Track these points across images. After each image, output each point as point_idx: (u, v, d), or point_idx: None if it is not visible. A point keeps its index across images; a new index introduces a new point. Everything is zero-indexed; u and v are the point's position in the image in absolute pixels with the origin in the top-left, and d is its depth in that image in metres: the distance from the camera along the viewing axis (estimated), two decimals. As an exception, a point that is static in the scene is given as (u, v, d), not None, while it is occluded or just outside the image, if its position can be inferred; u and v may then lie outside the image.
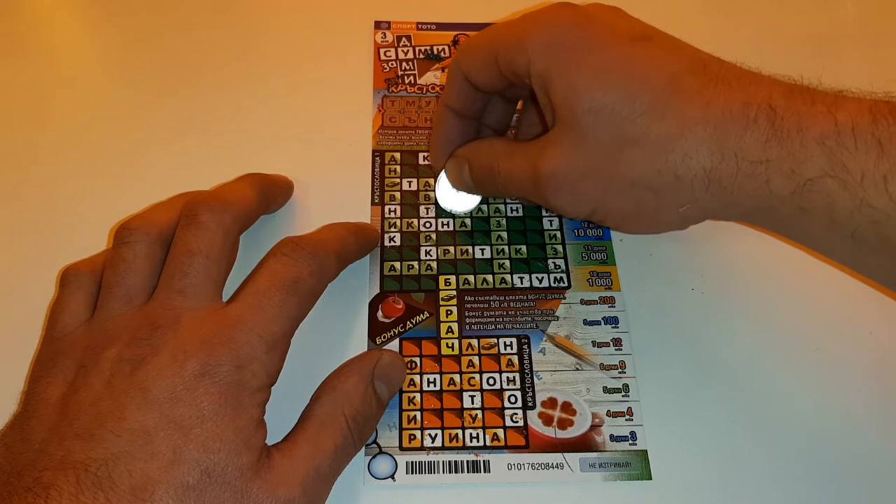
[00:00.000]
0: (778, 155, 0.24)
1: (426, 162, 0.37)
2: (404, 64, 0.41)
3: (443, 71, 0.41)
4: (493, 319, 0.32)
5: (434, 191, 0.35)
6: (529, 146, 0.29)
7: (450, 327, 0.32)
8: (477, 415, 0.30)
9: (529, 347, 0.31)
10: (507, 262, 0.34)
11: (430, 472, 0.28)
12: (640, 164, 0.26)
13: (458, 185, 0.33)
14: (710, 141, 0.24)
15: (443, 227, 0.35)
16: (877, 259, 0.24)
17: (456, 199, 0.34)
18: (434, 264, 0.34)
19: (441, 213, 0.35)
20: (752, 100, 0.24)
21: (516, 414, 0.30)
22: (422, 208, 0.35)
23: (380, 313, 0.32)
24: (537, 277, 0.33)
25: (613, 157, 0.26)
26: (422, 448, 0.29)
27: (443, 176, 0.34)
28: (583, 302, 0.33)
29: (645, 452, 0.29)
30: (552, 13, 0.28)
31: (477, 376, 0.30)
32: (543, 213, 0.35)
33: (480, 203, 0.35)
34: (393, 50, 0.42)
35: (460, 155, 0.33)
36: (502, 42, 0.29)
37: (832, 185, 0.23)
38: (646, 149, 0.25)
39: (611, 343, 0.32)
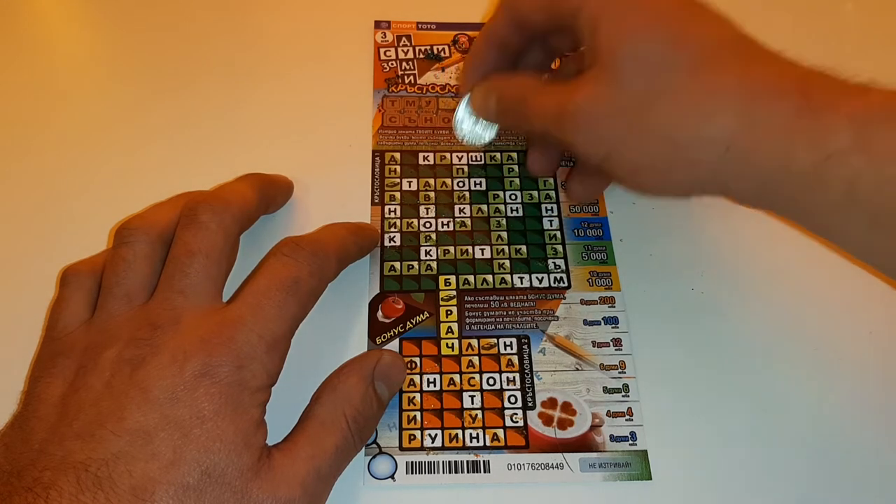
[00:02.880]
0: (805, 126, 0.24)
1: (426, 162, 0.37)
2: (404, 64, 0.41)
3: (443, 71, 0.41)
4: (493, 319, 0.32)
5: (453, 119, 0.35)
6: (561, 85, 0.29)
7: (450, 327, 0.32)
8: (477, 415, 0.30)
9: (529, 347, 0.31)
10: (507, 262, 0.34)
11: (429, 472, 0.28)
12: (666, 116, 0.26)
13: (481, 110, 0.33)
14: (739, 105, 0.25)
15: (443, 227, 0.35)
16: (892, 241, 0.24)
17: (472, 129, 0.35)
18: (434, 264, 0.34)
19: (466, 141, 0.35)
20: (787, 75, 0.25)
21: (516, 414, 0.30)
22: (422, 208, 0.35)
23: (380, 313, 0.32)
24: (537, 277, 0.33)
25: (643, 105, 0.26)
26: (422, 448, 0.29)
27: (463, 104, 0.34)
28: (583, 302, 0.33)
29: (645, 452, 0.29)
30: None
31: (477, 376, 0.30)
32: (543, 212, 0.35)
33: (495, 135, 0.35)
34: (393, 50, 0.42)
35: (492, 81, 0.33)
36: None
37: (857, 161, 0.23)
38: (676, 102, 0.26)
39: (611, 343, 0.32)
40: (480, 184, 0.36)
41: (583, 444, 0.29)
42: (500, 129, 0.35)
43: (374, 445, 0.29)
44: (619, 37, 0.27)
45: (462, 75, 0.35)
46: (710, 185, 0.27)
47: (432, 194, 0.36)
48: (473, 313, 0.32)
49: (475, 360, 0.31)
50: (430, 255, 0.34)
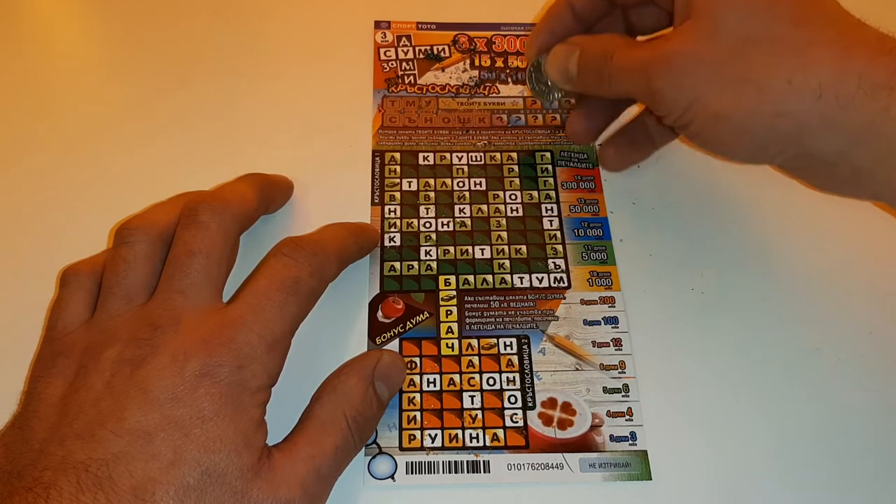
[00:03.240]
0: None
1: (426, 162, 0.37)
2: (404, 64, 0.41)
3: (443, 71, 0.41)
4: (492, 319, 0.32)
5: (526, 80, 0.36)
6: (652, 41, 0.29)
7: (450, 327, 0.32)
8: (477, 415, 0.30)
9: (529, 347, 0.31)
10: (507, 262, 0.34)
11: (429, 472, 0.28)
12: (760, 63, 0.26)
13: (559, 72, 0.33)
14: (836, 58, 0.25)
15: (443, 227, 0.35)
16: None
17: (545, 90, 0.35)
18: (434, 264, 0.34)
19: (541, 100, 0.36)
20: (888, 39, 0.25)
21: (516, 414, 0.30)
22: (422, 208, 0.35)
23: (380, 313, 0.32)
24: (537, 277, 0.33)
25: (738, 52, 0.26)
26: (422, 448, 0.29)
27: (534, 65, 0.34)
28: (583, 302, 0.33)
29: (645, 453, 0.29)
30: None
31: (477, 376, 0.30)
32: (543, 212, 0.35)
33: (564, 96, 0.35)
34: (393, 50, 0.42)
35: (574, 41, 0.32)
36: None
37: None
38: (772, 50, 0.26)
39: (611, 343, 0.32)
40: (480, 184, 0.36)
41: (583, 444, 0.29)
42: (568, 95, 0.35)
43: (374, 445, 0.29)
44: None
45: (532, 37, 0.34)
46: (789, 143, 0.27)
47: (432, 194, 0.36)
48: (473, 313, 0.32)
49: (475, 360, 0.31)
50: (430, 256, 0.34)
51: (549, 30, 0.34)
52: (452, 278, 0.33)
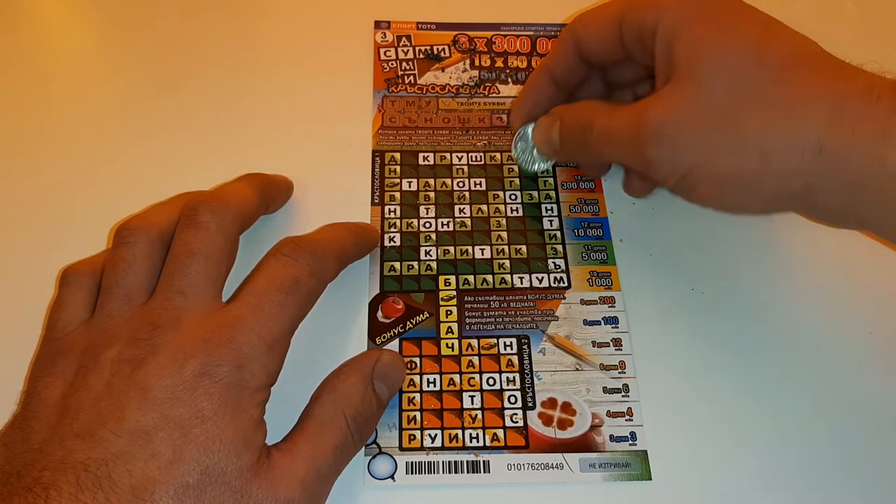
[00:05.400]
0: None
1: (426, 162, 0.37)
2: (404, 64, 0.41)
3: (443, 71, 0.41)
4: (492, 320, 0.32)
5: (511, 148, 0.36)
6: (633, 104, 0.28)
7: (450, 327, 0.32)
8: (477, 415, 0.30)
9: (529, 348, 0.31)
10: (507, 263, 0.34)
11: (429, 472, 0.28)
12: (754, 125, 0.25)
13: (545, 143, 0.33)
14: (829, 111, 0.24)
15: (443, 227, 0.35)
16: None
17: (527, 159, 0.35)
18: (434, 264, 0.34)
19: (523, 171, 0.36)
20: (875, 83, 0.25)
21: (516, 414, 0.30)
22: (422, 208, 0.35)
23: (380, 313, 0.32)
24: (537, 277, 0.33)
25: (729, 115, 0.26)
26: (422, 448, 0.29)
27: (520, 133, 0.34)
28: (583, 302, 0.33)
29: (645, 453, 0.29)
30: None
31: (477, 376, 0.30)
32: (543, 213, 0.35)
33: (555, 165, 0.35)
34: (393, 50, 0.42)
35: (555, 112, 0.32)
36: (633, 3, 0.29)
37: None
38: (763, 111, 0.25)
39: (611, 343, 0.31)
40: (480, 184, 0.36)
41: (583, 445, 0.29)
42: (561, 162, 0.35)
43: (374, 445, 0.29)
44: (700, 49, 0.26)
45: (515, 108, 0.34)
46: (798, 198, 0.26)
47: (432, 194, 0.36)
48: (473, 313, 0.32)
49: (475, 360, 0.31)
50: (430, 256, 0.34)
51: (531, 99, 0.33)
52: (452, 278, 0.33)
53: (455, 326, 0.32)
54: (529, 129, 0.34)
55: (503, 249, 0.34)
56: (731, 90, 0.26)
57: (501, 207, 0.36)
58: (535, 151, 0.35)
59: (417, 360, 0.31)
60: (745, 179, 0.26)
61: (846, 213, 0.26)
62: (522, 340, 0.31)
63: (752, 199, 0.27)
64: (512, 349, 0.31)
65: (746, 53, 0.26)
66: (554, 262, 0.34)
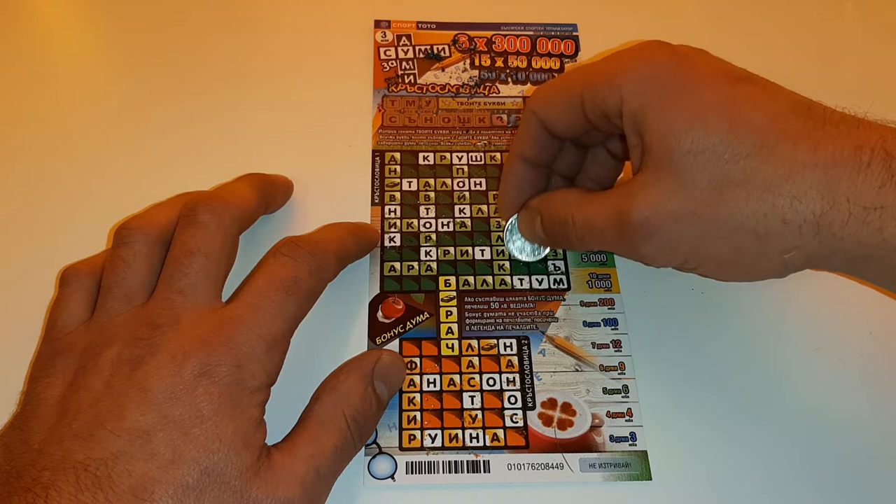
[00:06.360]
0: (894, 201, 0.23)
1: (426, 162, 0.37)
2: (404, 63, 0.41)
3: (443, 71, 0.41)
4: (492, 320, 0.32)
5: (503, 238, 0.34)
6: (609, 193, 0.27)
7: (450, 328, 0.32)
8: (477, 415, 0.30)
9: (529, 348, 0.31)
10: (507, 264, 0.34)
11: (429, 472, 0.28)
12: (744, 208, 0.24)
13: (532, 238, 0.32)
14: (820, 184, 0.23)
15: (443, 227, 0.35)
16: None
17: (525, 248, 0.33)
18: (434, 265, 0.34)
19: (514, 262, 0.34)
20: (864, 144, 0.23)
21: (516, 414, 0.30)
22: (422, 208, 0.35)
23: (380, 314, 0.32)
24: (537, 279, 0.33)
25: (714, 201, 0.24)
26: (422, 448, 0.29)
27: (511, 223, 0.33)
28: (582, 304, 0.33)
29: (645, 453, 0.29)
30: (646, 51, 0.27)
31: (477, 377, 0.30)
32: (543, 213, 0.35)
33: (552, 252, 0.34)
34: (393, 49, 0.42)
35: (532, 206, 0.31)
36: (590, 82, 0.27)
37: None
38: (751, 192, 0.24)
39: (610, 344, 0.31)
40: (480, 184, 0.36)
41: (583, 445, 0.29)
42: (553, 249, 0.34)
43: (374, 445, 0.29)
44: (671, 132, 0.25)
45: (500, 200, 0.33)
46: (807, 264, 0.25)
47: (432, 194, 0.36)
48: (473, 314, 0.32)
49: (475, 360, 0.31)
50: (430, 256, 0.34)
51: (512, 187, 0.32)
52: (452, 279, 0.33)
53: (455, 327, 0.32)
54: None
55: (503, 250, 0.34)
56: (713, 175, 0.24)
57: (501, 207, 0.36)
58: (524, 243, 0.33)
59: (417, 360, 0.31)
60: (746, 260, 0.26)
61: (850, 274, 0.25)
62: (522, 341, 0.31)
63: (758, 274, 0.27)
64: (512, 350, 0.31)
65: (720, 132, 0.24)
66: (553, 264, 0.34)
